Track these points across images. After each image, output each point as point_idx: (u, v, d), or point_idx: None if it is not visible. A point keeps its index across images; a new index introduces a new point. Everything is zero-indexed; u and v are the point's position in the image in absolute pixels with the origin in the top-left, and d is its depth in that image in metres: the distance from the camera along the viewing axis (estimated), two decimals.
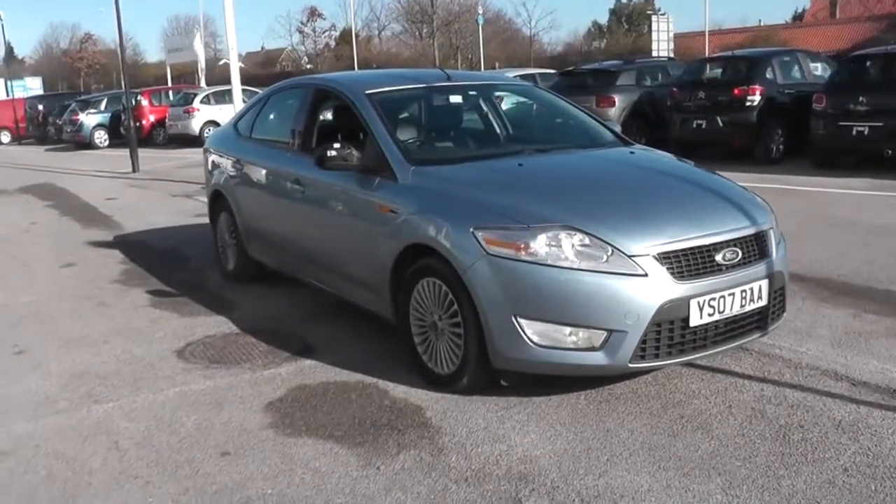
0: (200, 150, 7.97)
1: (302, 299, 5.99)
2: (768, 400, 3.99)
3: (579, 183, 4.49)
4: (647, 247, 3.79)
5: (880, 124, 10.79)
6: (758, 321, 4.14)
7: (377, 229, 4.53)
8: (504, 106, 6.03)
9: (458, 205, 4.14)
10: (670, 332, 3.82)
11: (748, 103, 12.56)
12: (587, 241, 3.79)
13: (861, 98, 11.02)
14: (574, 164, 4.85)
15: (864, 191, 9.89)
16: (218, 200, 6.85)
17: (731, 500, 3.12)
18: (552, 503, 3.14)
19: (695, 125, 13.18)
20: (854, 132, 11.07)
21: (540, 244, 3.78)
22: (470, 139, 5.57)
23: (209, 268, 7.24)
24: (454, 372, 4.13)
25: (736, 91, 12.72)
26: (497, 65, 41.83)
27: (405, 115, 5.56)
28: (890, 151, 10.77)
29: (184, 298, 6.26)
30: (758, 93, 12.57)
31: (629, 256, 3.75)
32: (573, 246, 3.78)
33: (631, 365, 3.80)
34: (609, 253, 3.76)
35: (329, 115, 5.62)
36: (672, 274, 3.79)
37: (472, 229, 3.91)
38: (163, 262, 7.72)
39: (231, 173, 6.52)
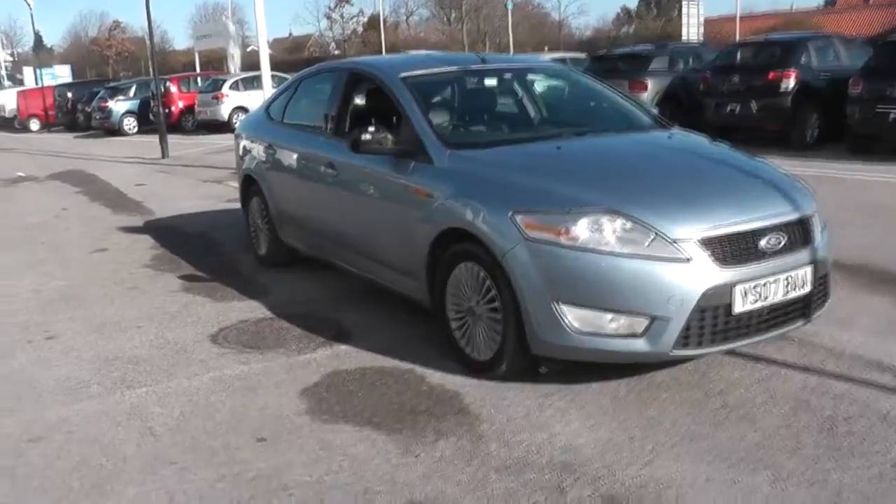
0: (230, 136, 7.96)
1: (335, 284, 5.95)
2: (812, 390, 3.89)
3: (620, 166, 4.40)
4: (690, 231, 3.70)
5: None
6: (801, 309, 4.04)
7: (413, 213, 4.48)
8: (539, 89, 5.94)
9: (497, 189, 4.07)
10: (713, 319, 3.74)
11: (782, 88, 12.36)
12: (629, 225, 3.70)
13: None
14: (613, 147, 4.76)
15: None
16: (250, 185, 6.82)
17: (778, 493, 3.05)
18: (596, 493, 3.07)
19: (728, 110, 13.00)
20: (891, 118, 10.84)
21: (581, 228, 3.70)
22: (505, 123, 5.49)
23: (241, 253, 7.23)
24: (492, 358, 4.07)
25: (770, 75, 12.51)
26: (546, 48, 41.35)
27: (440, 98, 5.49)
28: None
29: (216, 283, 6.25)
30: (792, 77, 12.36)
31: (672, 241, 3.67)
32: (614, 230, 3.70)
33: (673, 352, 3.72)
34: (651, 237, 3.67)
35: (363, 99, 5.56)
36: (715, 260, 3.70)
37: (510, 213, 3.84)
38: (194, 247, 7.72)
39: (263, 158, 6.49)
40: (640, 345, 3.69)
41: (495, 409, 3.79)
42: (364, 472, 3.28)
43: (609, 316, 3.69)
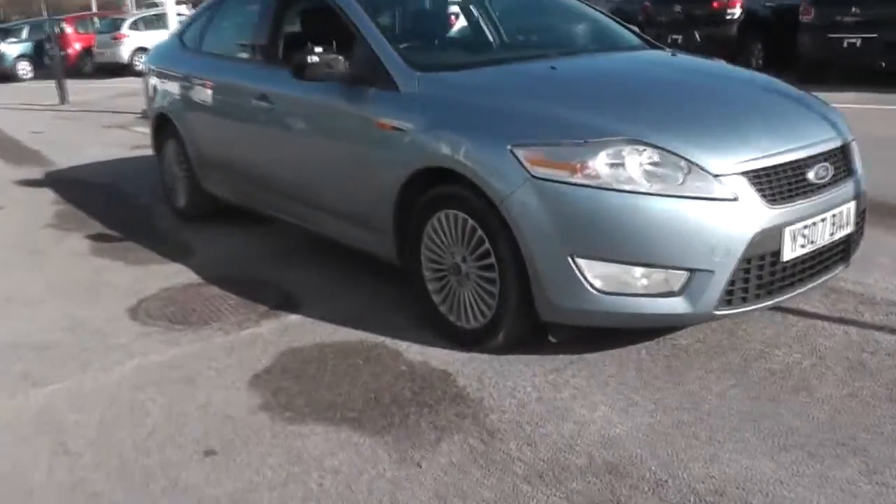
0: (131, 79, 6.89)
1: (271, 239, 5.09)
2: (860, 347, 3.28)
3: (634, 89, 3.63)
4: (732, 163, 2.99)
5: (874, 35, 10.11)
6: (842, 251, 3.42)
7: (375, 152, 3.65)
8: (508, 4, 5.11)
9: (487, 117, 3.27)
10: (760, 270, 3.07)
11: (728, 16, 11.79)
12: (657, 157, 2.97)
13: (853, 9, 10.31)
14: (617, 67, 3.99)
15: (856, 104, 9.24)
16: (163, 127, 5.84)
17: (879, 490, 2.40)
18: None
19: (670, 40, 12.36)
20: (845, 44, 10.38)
21: (600, 163, 2.95)
22: (480, 43, 4.68)
23: (156, 205, 6.25)
24: (485, 326, 3.32)
25: (715, 4, 11.95)
26: None
27: (398, 15, 4.62)
28: (884, 64, 10.12)
29: (130, 243, 5.30)
30: (738, 5, 11.79)
31: (713, 176, 2.95)
32: (641, 164, 2.96)
33: (717, 312, 3.03)
34: (686, 172, 2.95)
35: (301, 19, 4.64)
36: (763, 197, 3.01)
37: (510, 147, 3.06)
38: (102, 201, 6.69)
39: (178, 94, 5.51)
40: (677, 305, 2.99)
41: (498, 391, 3.05)
42: (355, 495, 2.48)
43: (639, 271, 2.97)
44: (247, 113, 4.65)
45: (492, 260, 3.20)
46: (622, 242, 2.94)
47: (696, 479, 2.45)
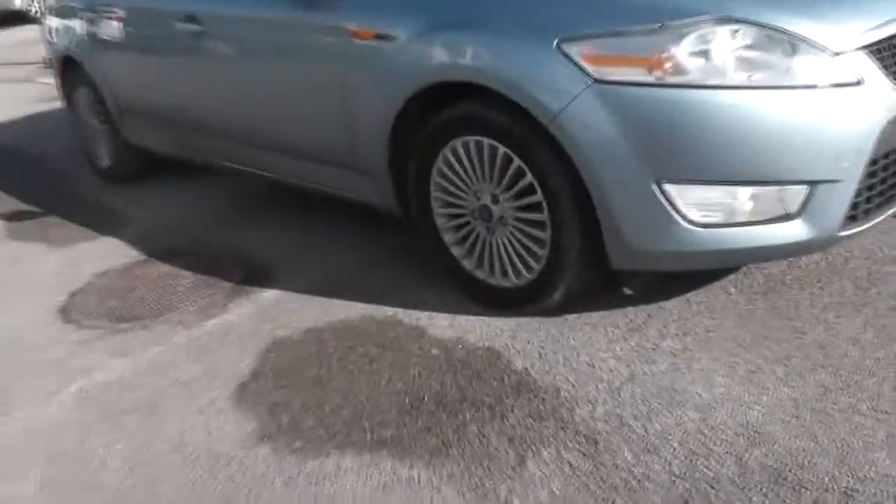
0: (27, 27, 5.74)
1: (221, 195, 4.23)
2: None
3: None
4: (853, 36, 2.22)
5: None
6: None
7: (353, 72, 2.79)
8: None
9: (517, 2, 2.42)
10: (885, 171, 2.34)
11: None
12: (761, 37, 2.17)
13: None
14: None
15: None
16: (71, 72, 4.82)
17: None
18: None
19: None
20: None
21: (684, 53, 2.14)
22: None
23: (76, 168, 5.25)
24: (533, 282, 2.55)
25: None
26: None
27: None
28: None
29: (51, 217, 4.35)
30: None
31: (833, 54, 2.17)
32: (738, 50, 2.16)
33: (843, 233, 2.30)
34: (798, 52, 2.16)
35: None
36: (889, 75, 2.25)
37: (557, 42, 2.22)
38: (10, 169, 5.64)
39: (84, 30, 4.49)
40: (795, 230, 2.24)
41: (573, 371, 2.29)
42: None
43: (745, 191, 2.20)
44: (171, 41, 3.71)
45: (538, 197, 2.40)
46: (723, 156, 2.16)
47: (892, 482, 1.74)
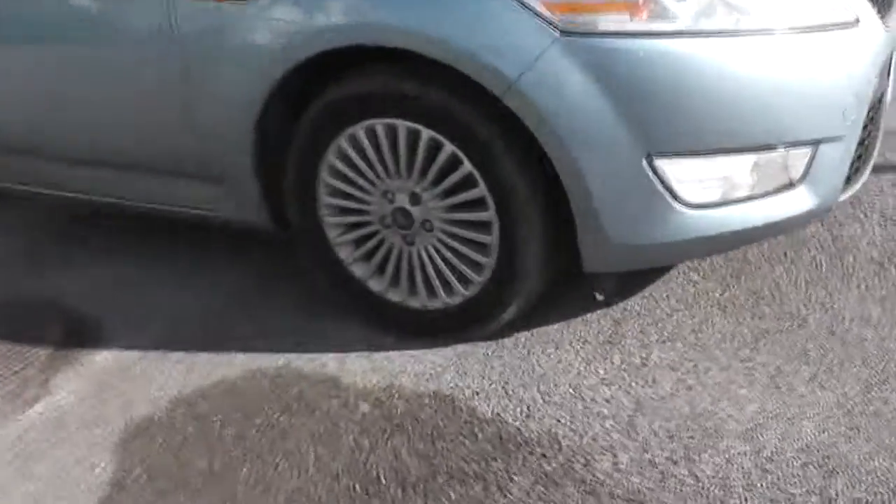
0: None
1: (19, 226, 3.26)
2: None
3: None
4: None
5: None
6: None
7: (194, 43, 2.08)
8: None
9: None
10: (871, 123, 2.04)
11: None
12: None
13: None
14: None
15: None
16: None
17: None
18: None
19: None
20: None
21: None
22: None
23: None
24: (474, 300, 2.00)
25: None
26: None
27: None
28: None
29: None
30: None
31: None
32: None
33: (843, 196, 1.96)
34: None
35: None
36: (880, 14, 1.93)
37: None
38: None
39: None
40: (797, 200, 1.86)
41: (560, 408, 1.78)
42: None
43: (748, 160, 1.77)
44: None
45: (479, 191, 1.85)
46: (722, 119, 1.73)
47: None
